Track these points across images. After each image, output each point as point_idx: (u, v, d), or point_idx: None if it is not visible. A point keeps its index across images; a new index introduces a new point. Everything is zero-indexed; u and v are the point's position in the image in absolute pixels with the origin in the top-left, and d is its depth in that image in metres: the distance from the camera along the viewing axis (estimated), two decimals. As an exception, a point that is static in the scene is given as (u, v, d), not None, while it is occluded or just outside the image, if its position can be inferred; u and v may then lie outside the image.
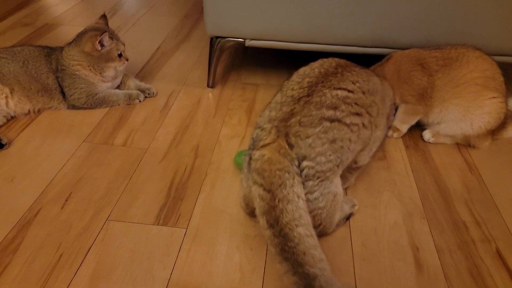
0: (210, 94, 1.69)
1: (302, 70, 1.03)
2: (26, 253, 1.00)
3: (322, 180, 0.92)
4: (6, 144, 1.32)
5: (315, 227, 0.99)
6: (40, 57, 1.48)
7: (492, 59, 1.36)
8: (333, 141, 0.91)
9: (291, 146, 0.89)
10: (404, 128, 1.47)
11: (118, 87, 1.63)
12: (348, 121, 0.93)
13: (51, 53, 1.51)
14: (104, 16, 1.58)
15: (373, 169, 1.32)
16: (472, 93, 1.33)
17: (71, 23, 2.27)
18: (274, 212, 0.85)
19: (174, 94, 1.68)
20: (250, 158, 0.93)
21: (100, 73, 1.50)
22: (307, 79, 0.98)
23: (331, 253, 1.04)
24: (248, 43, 1.59)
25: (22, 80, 1.44)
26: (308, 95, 0.94)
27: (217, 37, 1.61)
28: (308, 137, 0.89)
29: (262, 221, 0.87)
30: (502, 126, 1.42)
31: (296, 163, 0.89)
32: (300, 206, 0.86)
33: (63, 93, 1.50)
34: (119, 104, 1.57)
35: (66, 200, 1.15)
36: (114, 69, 1.52)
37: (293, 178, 0.87)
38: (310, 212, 0.93)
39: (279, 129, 0.91)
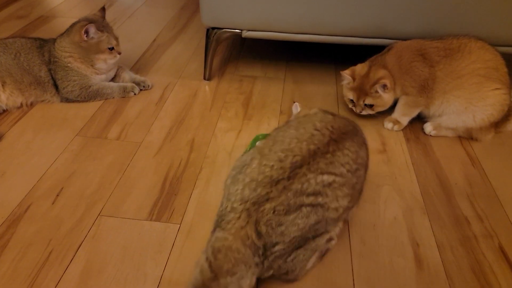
0: (206, 86, 1.66)
1: (292, 132, 0.90)
2: (15, 249, 0.97)
3: (300, 247, 0.85)
4: (-3, 138, 1.30)
5: (284, 273, 0.89)
6: (32, 49, 1.45)
7: (495, 49, 1.32)
8: (314, 223, 0.83)
9: (259, 235, 0.80)
10: (405, 121, 1.43)
11: (113, 79, 1.59)
12: (333, 205, 0.85)
13: (44, 45, 1.47)
14: (103, 9, 1.54)
15: (372, 162, 1.29)
16: (474, 85, 1.29)
17: (67, 15, 2.23)
18: None
19: (170, 86, 1.64)
20: (215, 228, 0.85)
21: (92, 65, 1.47)
22: (290, 158, 0.84)
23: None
24: (245, 34, 1.55)
25: (14, 72, 1.41)
26: (288, 178, 0.82)
27: (213, 28, 1.57)
28: (281, 224, 0.80)
29: None
30: (505, 118, 1.38)
31: (261, 251, 0.81)
32: None
33: (56, 86, 1.47)
34: (113, 97, 1.54)
35: (57, 195, 1.12)
36: (104, 61, 1.48)
37: (247, 271, 0.80)
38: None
39: (250, 214, 0.81)
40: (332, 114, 0.97)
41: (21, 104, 1.45)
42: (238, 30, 1.55)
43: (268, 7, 1.45)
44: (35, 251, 0.97)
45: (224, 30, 1.56)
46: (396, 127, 1.43)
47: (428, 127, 1.41)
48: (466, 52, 1.29)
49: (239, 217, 0.81)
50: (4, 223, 1.04)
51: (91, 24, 1.39)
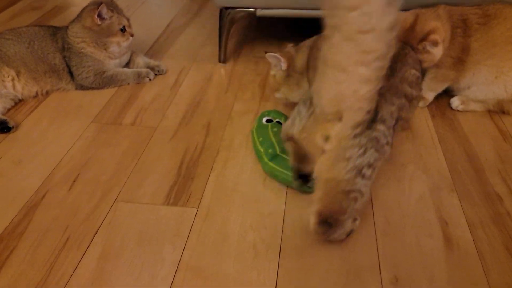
0: (222, 69, 1.62)
1: None
2: (32, 236, 0.96)
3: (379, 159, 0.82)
4: (13, 127, 1.29)
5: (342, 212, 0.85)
6: (45, 37, 1.44)
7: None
8: (397, 118, 0.88)
9: None
10: (431, 96, 1.36)
11: (127, 65, 1.57)
12: (415, 103, 0.97)
13: (57, 32, 1.46)
14: None
15: (396, 140, 1.22)
16: (507, 52, 1.20)
17: (81, 4, 2.20)
18: None
19: (184, 70, 1.61)
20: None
21: (105, 49, 1.44)
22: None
23: (351, 230, 0.97)
24: (259, 12, 1.51)
25: (28, 61, 1.40)
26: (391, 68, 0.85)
27: (226, 8, 1.53)
28: (393, 104, 0.85)
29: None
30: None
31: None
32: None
33: (71, 73, 1.46)
34: (128, 83, 1.52)
35: (74, 182, 1.11)
36: (117, 44, 1.46)
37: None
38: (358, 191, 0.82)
39: None
40: None
41: (37, 93, 1.45)
42: (252, 9, 1.50)
43: (282, -18, 1.39)
44: (52, 237, 0.96)
45: (237, 9, 1.51)
46: (421, 103, 1.36)
47: (455, 102, 1.34)
48: (502, 19, 1.20)
49: None
50: (21, 211, 1.03)
51: (102, 4, 1.36)
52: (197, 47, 1.78)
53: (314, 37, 1.22)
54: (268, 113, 1.27)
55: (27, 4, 2.23)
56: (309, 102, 0.84)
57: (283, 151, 1.10)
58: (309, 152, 0.86)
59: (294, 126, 0.87)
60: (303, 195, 1.05)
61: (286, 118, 1.27)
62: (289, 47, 1.26)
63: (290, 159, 0.99)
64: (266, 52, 1.24)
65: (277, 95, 1.32)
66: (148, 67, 1.57)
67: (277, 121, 1.23)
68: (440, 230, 0.96)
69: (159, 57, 1.71)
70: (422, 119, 1.32)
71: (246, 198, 1.06)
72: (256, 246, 0.93)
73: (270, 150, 1.11)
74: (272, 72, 1.28)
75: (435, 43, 1.17)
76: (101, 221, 1.00)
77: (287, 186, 1.08)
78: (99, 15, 1.39)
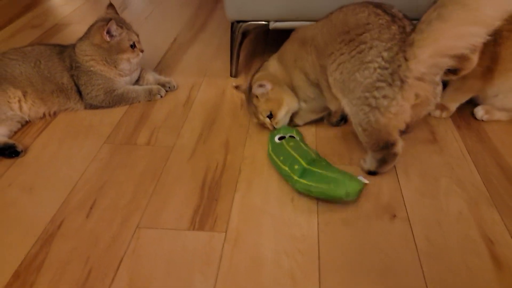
0: (234, 84, 1.57)
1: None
2: (51, 270, 0.89)
3: None
4: (21, 151, 1.22)
5: None
6: (52, 56, 1.38)
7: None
8: None
9: None
10: (454, 107, 1.32)
11: (137, 82, 1.51)
12: None
13: (64, 50, 1.40)
14: (111, 5, 1.46)
15: (423, 153, 1.19)
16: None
17: (81, 22, 2.16)
18: None
19: (196, 86, 1.56)
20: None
21: (115, 66, 1.39)
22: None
23: (391, 251, 0.91)
24: (273, 25, 1.46)
25: (34, 81, 1.34)
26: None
27: (238, 22, 1.48)
28: None
29: None
30: None
31: None
32: None
33: (79, 92, 1.40)
34: (139, 101, 1.46)
35: (91, 208, 1.05)
36: (127, 61, 1.40)
37: None
38: None
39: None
40: None
41: (44, 114, 1.38)
42: (265, 22, 1.46)
43: (298, -6, 1.35)
44: (73, 271, 0.89)
45: (250, 22, 1.47)
46: (444, 114, 1.32)
47: (480, 112, 1.30)
48: None
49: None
50: (37, 242, 0.96)
51: (112, 21, 1.31)
52: (207, 61, 1.73)
53: (275, 54, 1.29)
54: (278, 131, 1.22)
55: (26, 22, 2.17)
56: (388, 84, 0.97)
57: (310, 163, 1.05)
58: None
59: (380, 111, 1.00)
60: (335, 214, 1.00)
61: (297, 131, 1.22)
62: (257, 76, 1.28)
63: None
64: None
65: (282, 112, 1.24)
66: (159, 83, 1.52)
67: (290, 136, 1.18)
68: (486, 249, 0.91)
69: (168, 73, 1.65)
70: (448, 130, 1.28)
71: (276, 219, 1.00)
72: (294, 273, 0.87)
73: (296, 166, 1.05)
74: (262, 100, 1.23)
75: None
76: (124, 250, 0.94)
77: (317, 204, 1.03)
78: (108, 32, 1.33)
